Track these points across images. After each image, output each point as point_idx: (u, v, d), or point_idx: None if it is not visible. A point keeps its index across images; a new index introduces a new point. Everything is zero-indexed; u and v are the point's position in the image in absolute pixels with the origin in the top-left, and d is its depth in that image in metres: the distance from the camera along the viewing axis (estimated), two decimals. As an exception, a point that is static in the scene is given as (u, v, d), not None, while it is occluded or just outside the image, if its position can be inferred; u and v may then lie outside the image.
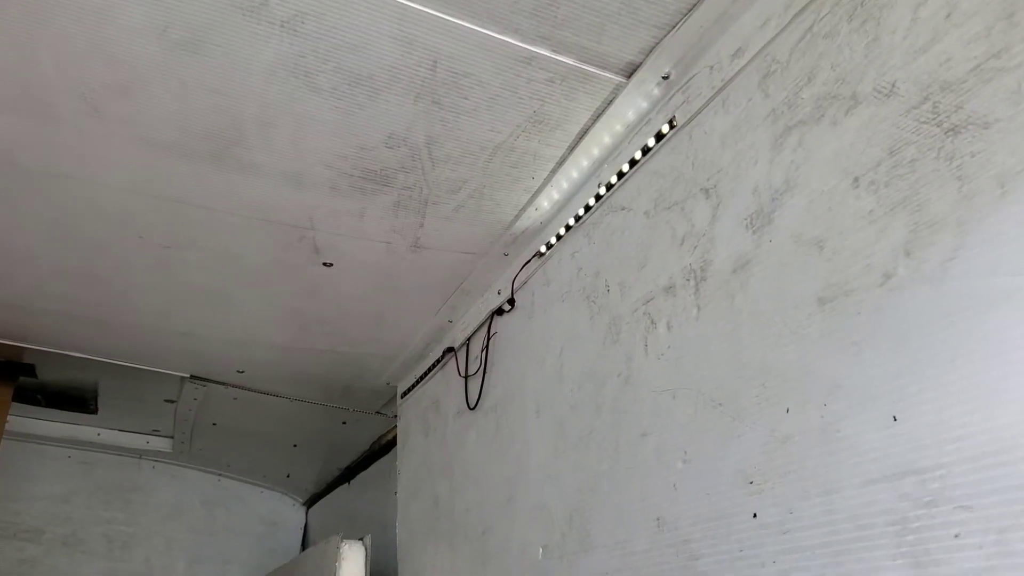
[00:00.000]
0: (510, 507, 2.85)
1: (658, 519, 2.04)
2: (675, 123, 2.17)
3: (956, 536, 1.30)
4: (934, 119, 1.44)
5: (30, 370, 5.04)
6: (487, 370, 3.24)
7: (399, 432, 4.39)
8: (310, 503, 7.03)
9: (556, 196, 2.72)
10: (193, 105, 2.37)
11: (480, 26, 2.07)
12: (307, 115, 2.39)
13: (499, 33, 2.09)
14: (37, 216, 2.96)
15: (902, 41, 1.53)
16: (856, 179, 1.59)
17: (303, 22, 2.09)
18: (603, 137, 2.44)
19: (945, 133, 1.42)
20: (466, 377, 3.42)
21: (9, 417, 5.02)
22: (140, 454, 6.65)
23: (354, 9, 2.04)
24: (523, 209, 2.80)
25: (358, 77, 2.25)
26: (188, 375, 4.66)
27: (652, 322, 2.19)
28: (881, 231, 1.52)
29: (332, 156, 2.56)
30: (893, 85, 1.53)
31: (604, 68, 2.18)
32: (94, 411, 5.90)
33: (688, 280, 2.06)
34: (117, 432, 6.40)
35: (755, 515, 1.73)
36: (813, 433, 1.61)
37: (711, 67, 2.05)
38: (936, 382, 1.38)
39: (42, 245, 3.16)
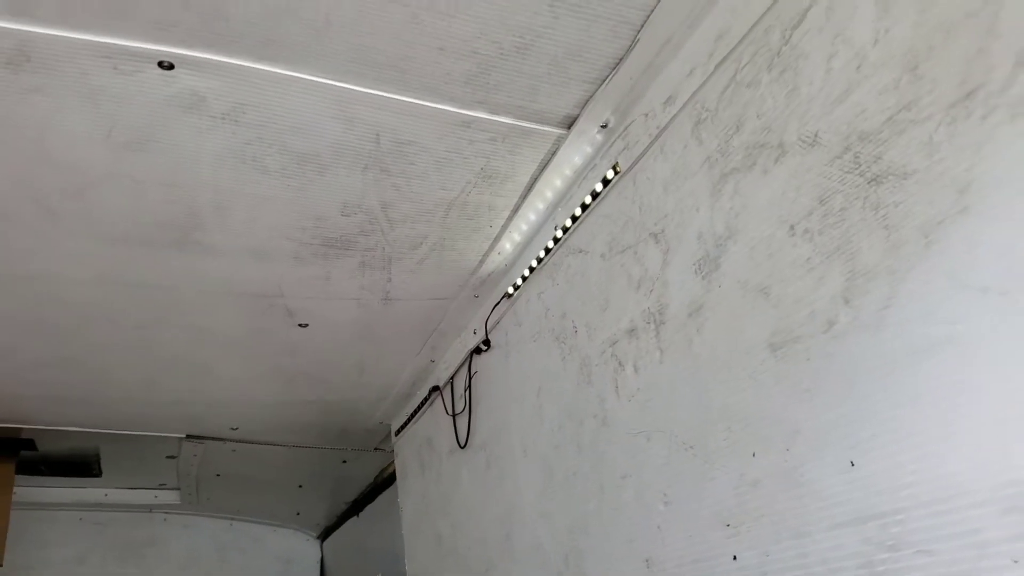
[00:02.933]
0: (508, 545, 2.88)
1: (647, 560, 2.08)
2: (618, 168, 2.20)
3: (919, 580, 1.34)
4: (856, 168, 1.47)
5: (30, 444, 5.06)
6: (472, 408, 3.27)
7: (397, 469, 4.42)
8: (323, 536, 7.06)
9: (517, 238, 2.75)
10: (147, 199, 2.40)
11: (416, 98, 2.10)
12: (261, 195, 2.42)
13: (436, 103, 2.12)
14: (7, 314, 2.98)
15: (819, 91, 1.56)
16: (792, 227, 1.62)
17: (244, 112, 2.11)
18: (554, 182, 2.46)
19: (868, 183, 1.45)
20: (454, 416, 3.45)
21: (16, 489, 5.05)
22: (150, 508, 6.67)
23: (292, 96, 2.06)
24: (486, 254, 2.83)
25: (304, 156, 2.28)
26: (184, 435, 4.69)
27: (620, 364, 2.22)
28: (820, 279, 1.55)
29: (291, 229, 2.59)
30: (816, 135, 1.56)
31: (543, 123, 2.22)
32: (98, 474, 5.93)
33: (648, 323, 2.09)
34: (124, 491, 6.43)
35: (735, 557, 1.77)
36: (779, 477, 1.65)
37: (646, 114, 2.08)
38: (886, 427, 1.41)
39: (17, 340, 3.19)
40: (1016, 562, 1.20)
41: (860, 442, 1.46)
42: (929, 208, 1.34)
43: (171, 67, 1.96)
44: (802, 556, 1.59)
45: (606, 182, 2.26)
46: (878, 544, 1.42)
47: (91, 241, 2.56)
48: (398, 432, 4.38)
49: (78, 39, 1.88)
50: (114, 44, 1.90)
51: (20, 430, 4.69)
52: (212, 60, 1.95)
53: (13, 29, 1.84)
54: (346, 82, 2.04)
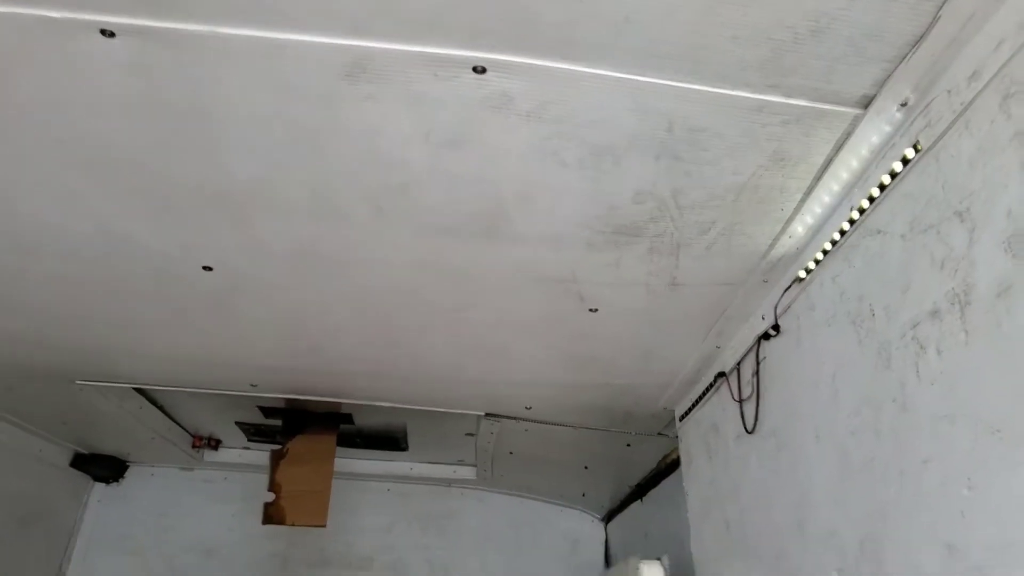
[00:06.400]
0: (800, 532, 2.88)
1: (948, 546, 2.03)
2: (919, 147, 2.15)
3: None
4: None
5: (348, 419, 5.71)
6: (760, 395, 3.29)
7: (682, 454, 4.49)
8: (607, 518, 7.26)
9: (810, 221, 2.74)
10: (461, 193, 2.66)
11: (709, 86, 2.17)
12: (559, 187, 2.60)
13: (729, 89, 2.18)
14: (341, 296, 3.42)
15: None
16: (1117, 200, 1.53)
17: (546, 109, 2.29)
18: (850, 162, 2.43)
19: None
20: (740, 402, 3.47)
21: (336, 460, 5.68)
22: (449, 483, 7.22)
23: (590, 93, 2.21)
24: (776, 238, 2.84)
25: (600, 148, 2.42)
26: (483, 413, 5.08)
27: (921, 347, 2.17)
28: None
29: (586, 218, 2.76)
30: None
31: (838, 103, 2.20)
32: (405, 448, 6.54)
33: (952, 304, 2.03)
34: (427, 465, 7.05)
35: (1051, 546, 1.70)
36: (1102, 463, 1.57)
37: (949, 91, 2.01)
38: None
39: (348, 320, 3.63)
40: None
41: None
42: None
43: (483, 71, 2.17)
44: None
45: (905, 161, 2.21)
46: None
47: (411, 232, 2.88)
48: (682, 418, 4.46)
49: (405, 50, 2.13)
50: (435, 53, 2.13)
51: (340, 404, 5.29)
52: (520, 63, 2.14)
53: (352, 45, 2.12)
54: (641, 75, 2.15)
